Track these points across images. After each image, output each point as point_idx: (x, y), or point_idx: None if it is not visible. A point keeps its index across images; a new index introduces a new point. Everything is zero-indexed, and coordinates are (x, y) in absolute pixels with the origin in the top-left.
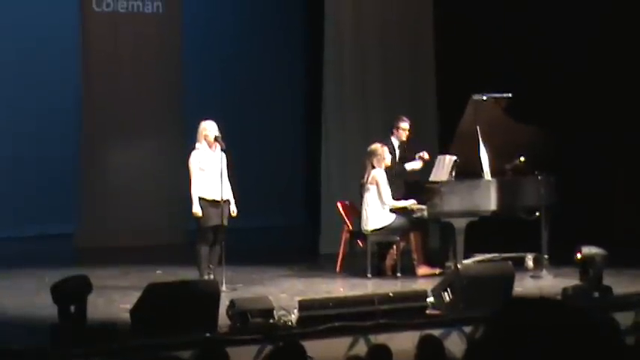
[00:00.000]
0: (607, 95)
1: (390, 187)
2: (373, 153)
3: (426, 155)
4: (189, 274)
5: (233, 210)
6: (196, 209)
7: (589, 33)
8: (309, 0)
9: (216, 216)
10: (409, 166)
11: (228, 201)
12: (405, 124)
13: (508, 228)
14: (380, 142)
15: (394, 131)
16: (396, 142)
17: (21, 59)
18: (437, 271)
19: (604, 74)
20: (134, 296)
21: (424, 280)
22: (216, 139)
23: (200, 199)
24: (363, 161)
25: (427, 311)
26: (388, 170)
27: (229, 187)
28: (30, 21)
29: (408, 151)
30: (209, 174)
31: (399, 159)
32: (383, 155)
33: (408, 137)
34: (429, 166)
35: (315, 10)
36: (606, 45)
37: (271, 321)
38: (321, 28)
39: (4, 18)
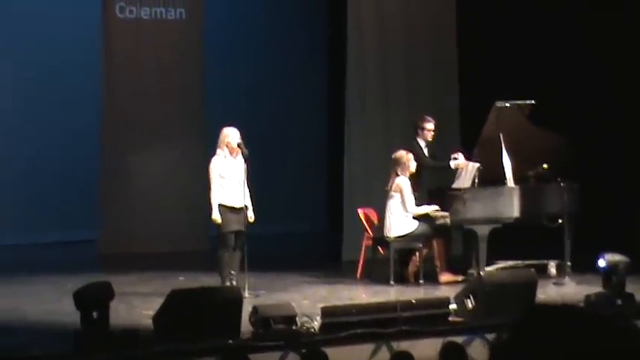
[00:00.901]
0: (631, 103)
1: (418, 189)
2: (398, 161)
3: (460, 157)
4: (211, 280)
5: (250, 216)
6: (215, 215)
7: (614, 40)
8: (332, 4)
9: (236, 222)
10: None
11: (246, 207)
12: (430, 125)
13: (531, 235)
14: (404, 148)
15: (419, 132)
16: (422, 143)
17: (44, 65)
18: (459, 278)
19: (629, 82)
20: (157, 302)
21: (447, 287)
22: (238, 145)
23: (220, 205)
24: (388, 168)
25: (450, 318)
26: (413, 177)
27: (248, 194)
28: (52, 27)
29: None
30: (229, 181)
31: (429, 157)
32: (408, 163)
33: (433, 137)
34: (451, 172)
35: (337, 15)
36: (632, 53)
37: (294, 327)
38: (343, 32)
39: (26, 24)
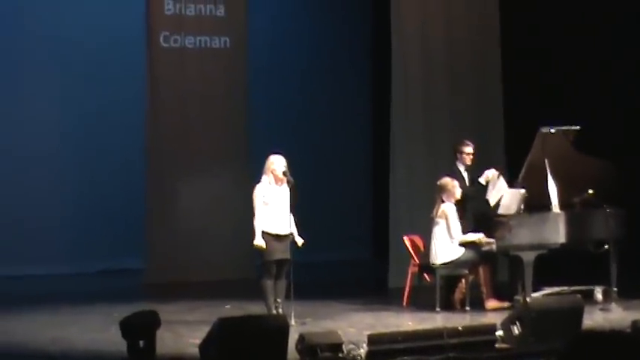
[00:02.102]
0: None
1: (461, 218)
2: (443, 187)
3: (490, 173)
4: (257, 308)
5: (299, 240)
6: (258, 241)
7: None
8: (375, 33)
9: (281, 250)
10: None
11: (292, 234)
12: (468, 149)
13: (577, 261)
14: (449, 175)
15: (458, 156)
16: (461, 167)
17: (89, 96)
18: (506, 304)
19: None
20: (203, 331)
21: (493, 314)
22: (284, 174)
23: (264, 232)
24: (433, 195)
25: (496, 345)
26: (458, 203)
27: (293, 221)
28: (97, 58)
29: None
30: (273, 208)
31: (469, 182)
32: (453, 190)
33: (473, 161)
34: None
35: (381, 43)
36: None
37: (340, 355)
38: (387, 61)
39: (70, 55)
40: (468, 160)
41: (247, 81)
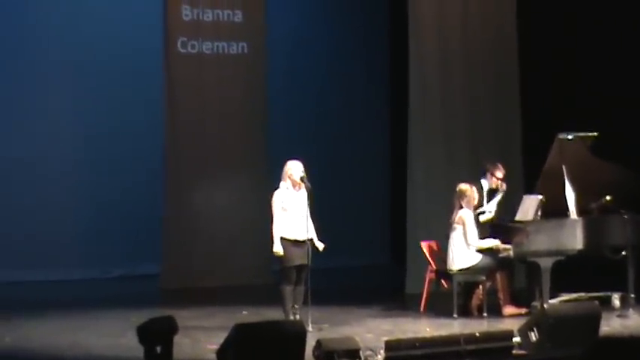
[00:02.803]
0: None
1: (480, 222)
2: (463, 193)
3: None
4: (275, 314)
5: (319, 245)
6: (277, 248)
7: None
8: (393, 38)
9: (299, 256)
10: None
11: (311, 239)
12: (499, 174)
13: (594, 267)
14: (468, 182)
15: (488, 175)
16: (485, 186)
17: (107, 102)
18: (523, 310)
19: None
20: (220, 337)
21: (510, 320)
22: (301, 179)
23: (282, 238)
24: (452, 201)
25: (514, 351)
26: (476, 209)
27: (312, 226)
28: (115, 63)
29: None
30: (292, 213)
31: (486, 201)
32: (472, 196)
33: (497, 186)
34: (513, 205)
35: (399, 48)
36: None
37: None
38: (405, 66)
39: (87, 60)
40: (494, 183)
41: (265, 86)
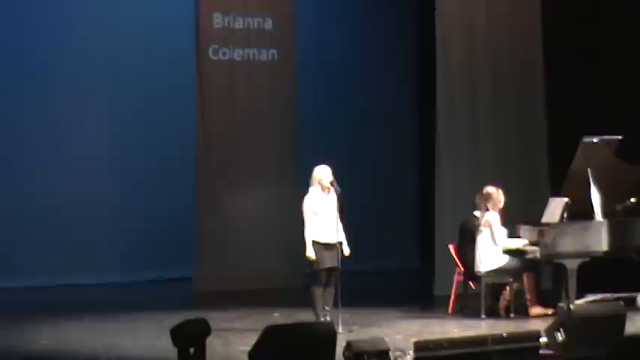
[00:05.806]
0: None
1: (507, 225)
2: (489, 196)
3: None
4: (305, 316)
5: (346, 250)
6: (310, 253)
7: None
8: (422, 45)
9: (330, 259)
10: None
11: (341, 243)
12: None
13: (619, 268)
14: (494, 185)
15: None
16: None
17: (139, 108)
18: (550, 311)
19: None
20: (252, 338)
21: (537, 321)
22: (331, 184)
23: (314, 242)
24: (478, 203)
25: (540, 351)
26: (502, 211)
27: (342, 229)
28: (147, 70)
29: None
30: (322, 217)
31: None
32: (498, 199)
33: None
34: (541, 208)
35: (427, 55)
36: None
37: None
38: (432, 73)
39: (123, 66)
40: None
41: (295, 93)
